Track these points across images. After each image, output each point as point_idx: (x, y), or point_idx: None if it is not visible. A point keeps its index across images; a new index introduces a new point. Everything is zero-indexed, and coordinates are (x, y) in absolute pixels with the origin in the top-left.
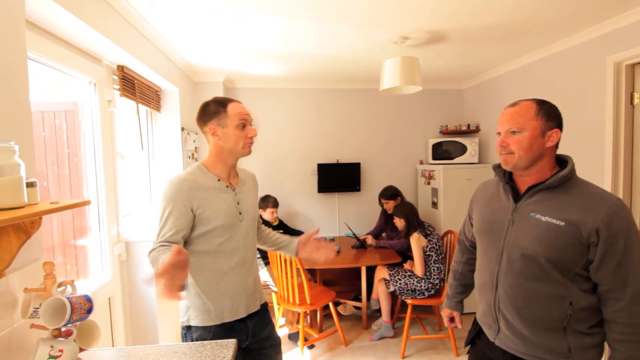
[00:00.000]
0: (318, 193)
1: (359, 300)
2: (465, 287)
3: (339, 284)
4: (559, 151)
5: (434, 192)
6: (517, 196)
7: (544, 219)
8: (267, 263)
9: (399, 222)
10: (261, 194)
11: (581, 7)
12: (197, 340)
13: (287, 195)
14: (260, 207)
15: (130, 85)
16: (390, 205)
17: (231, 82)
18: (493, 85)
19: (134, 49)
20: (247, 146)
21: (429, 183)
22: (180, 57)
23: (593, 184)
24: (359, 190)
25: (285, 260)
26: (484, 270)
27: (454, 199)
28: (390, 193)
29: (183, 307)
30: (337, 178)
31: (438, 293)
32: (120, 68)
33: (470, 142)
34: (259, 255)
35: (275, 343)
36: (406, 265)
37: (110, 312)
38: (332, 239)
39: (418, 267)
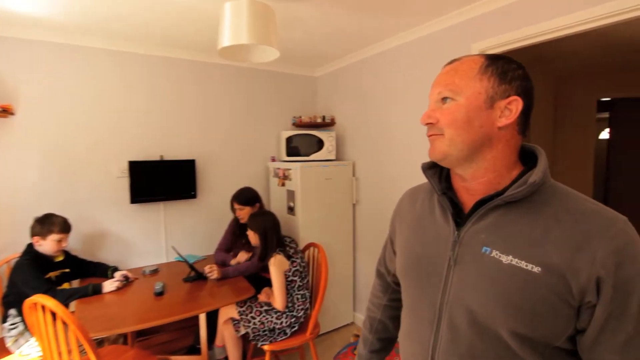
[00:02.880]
0: (131, 204)
1: (197, 352)
2: (387, 342)
3: (166, 330)
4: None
5: (290, 195)
6: (460, 216)
7: (505, 259)
8: (26, 327)
9: (253, 237)
10: (40, 209)
11: None
12: None
13: (83, 211)
14: (37, 234)
15: None
16: (245, 212)
17: None
18: (349, 72)
19: None
20: None
21: (283, 184)
22: None
23: (580, 194)
24: (194, 196)
25: (56, 322)
26: (412, 338)
27: (313, 203)
28: (246, 197)
29: None
30: (162, 181)
31: (302, 328)
32: None
33: (327, 137)
34: (16, 316)
35: None
36: (261, 297)
37: None
38: (155, 270)
39: (278, 299)
